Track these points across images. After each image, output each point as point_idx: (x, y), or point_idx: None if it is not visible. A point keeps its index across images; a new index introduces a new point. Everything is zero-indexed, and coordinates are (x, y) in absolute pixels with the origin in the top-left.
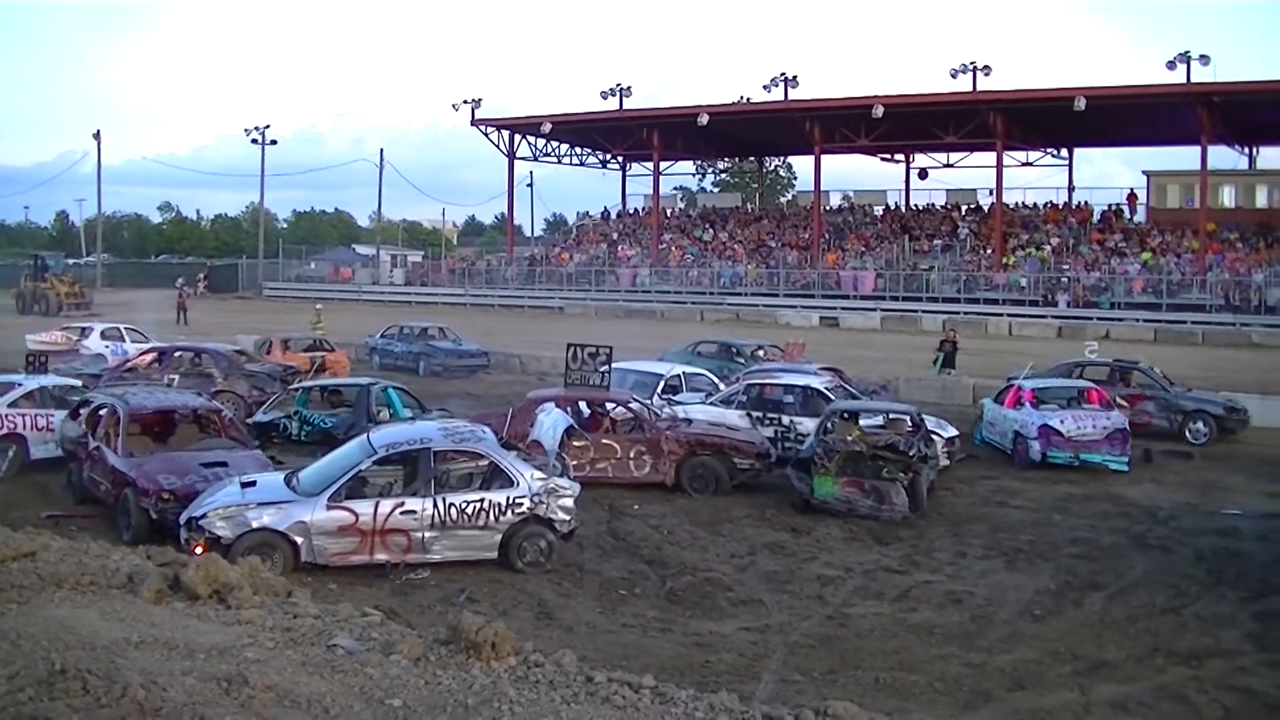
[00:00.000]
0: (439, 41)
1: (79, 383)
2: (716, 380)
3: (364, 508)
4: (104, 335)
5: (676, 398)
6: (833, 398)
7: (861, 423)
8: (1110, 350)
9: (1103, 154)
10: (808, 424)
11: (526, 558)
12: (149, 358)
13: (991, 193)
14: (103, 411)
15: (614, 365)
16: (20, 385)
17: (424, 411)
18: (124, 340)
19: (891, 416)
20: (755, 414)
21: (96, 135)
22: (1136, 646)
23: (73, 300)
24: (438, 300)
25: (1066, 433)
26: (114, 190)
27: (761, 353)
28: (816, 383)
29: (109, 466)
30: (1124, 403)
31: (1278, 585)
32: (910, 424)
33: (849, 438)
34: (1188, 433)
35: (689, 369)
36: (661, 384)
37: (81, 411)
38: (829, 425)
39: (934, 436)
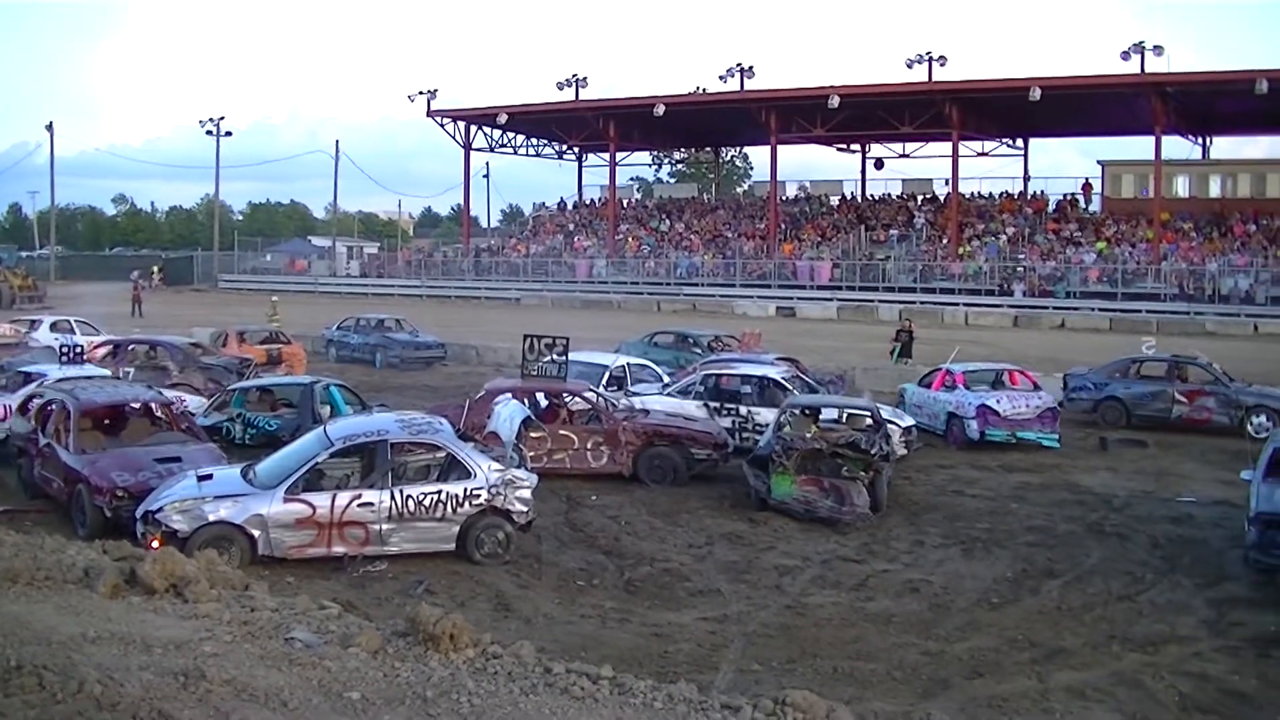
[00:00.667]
0: (394, 33)
1: (108, 372)
2: (662, 372)
3: (321, 500)
4: (54, 328)
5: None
6: (790, 388)
7: (819, 418)
8: (1072, 341)
9: (1058, 144)
10: (765, 414)
11: (484, 549)
12: (103, 350)
13: (947, 182)
14: (52, 407)
15: None
16: (44, 376)
17: (365, 408)
18: (74, 333)
19: (851, 412)
20: (713, 404)
21: (49, 127)
22: (1093, 634)
23: (26, 293)
24: (394, 292)
25: (1003, 412)
26: (67, 182)
27: (718, 343)
28: (774, 373)
29: (61, 464)
30: (1183, 398)
31: (1232, 572)
32: (870, 420)
33: (807, 435)
34: (1249, 427)
35: (634, 360)
36: (606, 375)
37: (30, 406)
38: (786, 421)
39: (892, 426)
